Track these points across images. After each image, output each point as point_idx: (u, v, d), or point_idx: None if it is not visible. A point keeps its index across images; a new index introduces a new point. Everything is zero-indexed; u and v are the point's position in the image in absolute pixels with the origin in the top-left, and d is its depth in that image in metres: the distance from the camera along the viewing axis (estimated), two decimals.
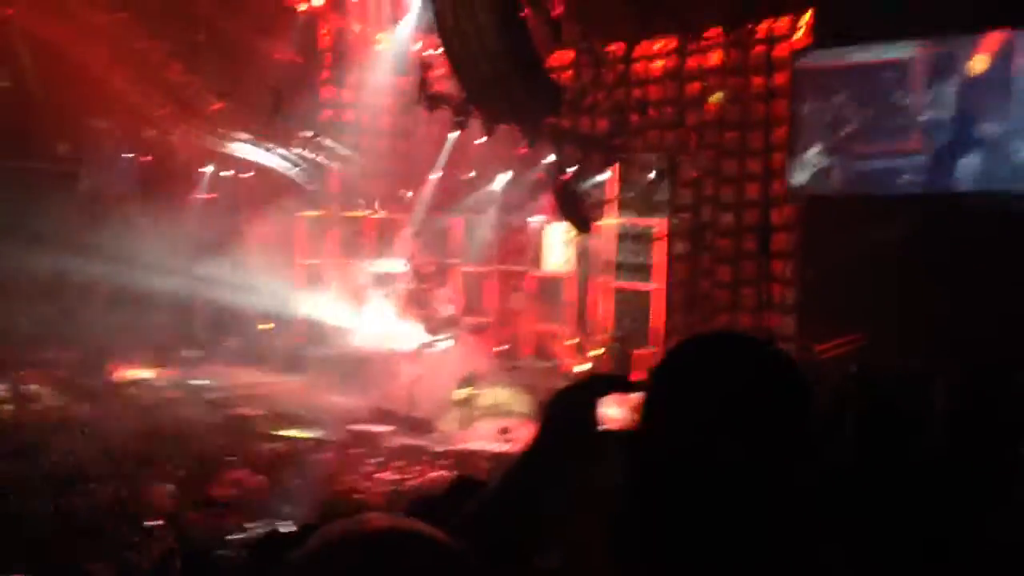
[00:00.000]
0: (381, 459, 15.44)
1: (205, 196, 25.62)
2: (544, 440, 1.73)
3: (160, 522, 10.85)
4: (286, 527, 10.70)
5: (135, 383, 22.07)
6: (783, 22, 21.41)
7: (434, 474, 14.48)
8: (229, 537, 10.51)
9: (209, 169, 25.23)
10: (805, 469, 1.60)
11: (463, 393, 18.22)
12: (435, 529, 1.41)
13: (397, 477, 14.17)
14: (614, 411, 1.72)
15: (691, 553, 1.54)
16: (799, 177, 19.86)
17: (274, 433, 17.43)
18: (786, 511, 1.55)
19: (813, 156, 19.62)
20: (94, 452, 15.09)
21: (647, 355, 19.90)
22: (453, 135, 19.92)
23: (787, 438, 1.56)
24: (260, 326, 24.71)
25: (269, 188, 25.37)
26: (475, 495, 1.84)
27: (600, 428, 1.70)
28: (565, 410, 1.74)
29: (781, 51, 21.66)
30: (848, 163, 19.58)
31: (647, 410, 1.64)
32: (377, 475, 14.35)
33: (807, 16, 21.29)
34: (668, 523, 1.55)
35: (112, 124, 23.81)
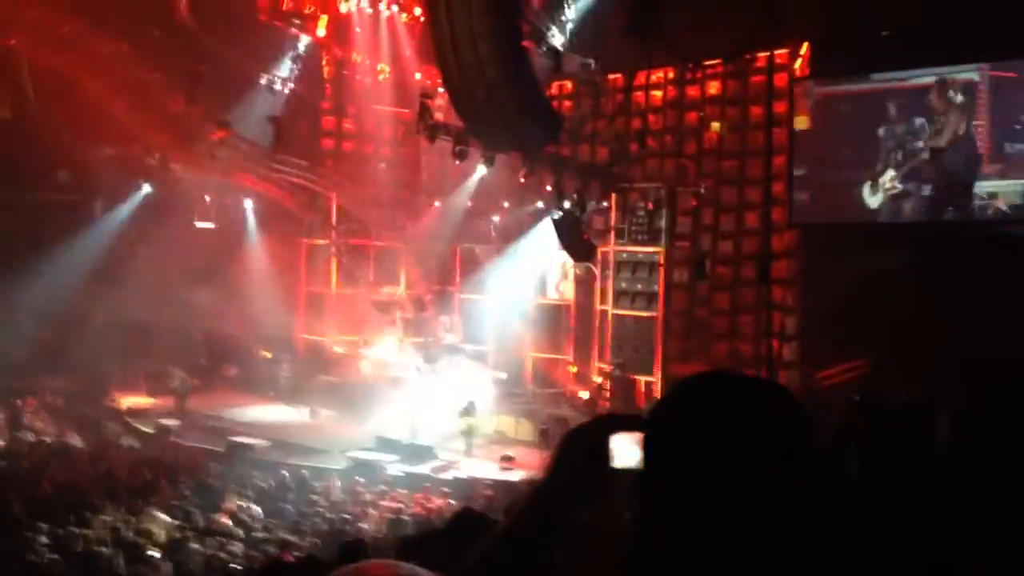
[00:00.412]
0: (383, 487, 15.38)
1: (206, 224, 25.66)
2: (556, 479, 1.70)
3: (159, 553, 10.77)
4: (288, 558, 10.65)
5: (135, 411, 22.06)
6: (782, 53, 21.61)
7: (436, 502, 14.42)
8: (230, 567, 10.46)
9: (208, 198, 25.29)
10: (809, 500, 1.60)
11: (464, 421, 18.18)
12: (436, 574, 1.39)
13: (399, 505, 14.10)
14: (626, 450, 1.70)
15: None
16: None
17: (275, 462, 17.37)
18: (792, 543, 1.55)
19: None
20: (93, 481, 15.05)
21: (648, 382, 19.91)
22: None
23: (790, 475, 1.56)
24: (261, 354, 24.69)
25: (270, 217, 25.45)
26: (481, 535, 1.81)
27: (611, 467, 1.68)
28: (579, 448, 1.72)
29: (780, 80, 21.85)
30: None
31: (648, 450, 1.63)
32: (380, 503, 14.28)
33: (804, 47, 21.51)
34: (678, 563, 1.55)
35: (113, 154, 23.90)
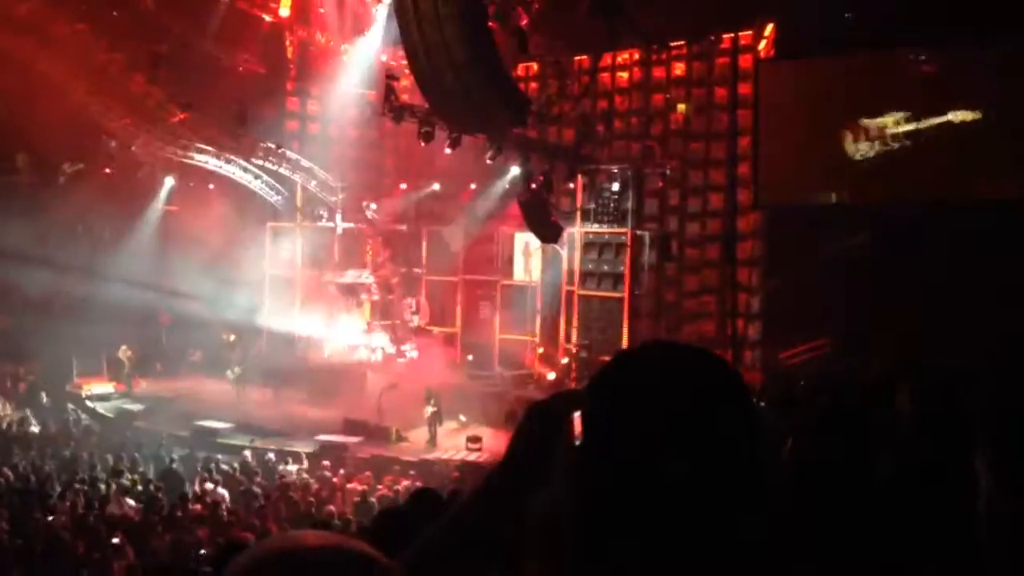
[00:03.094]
0: (350, 470, 15.37)
1: (168, 208, 25.39)
2: (514, 458, 1.65)
3: (122, 539, 10.68)
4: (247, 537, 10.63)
5: (98, 396, 21.83)
6: (746, 34, 21.69)
7: (404, 484, 14.43)
8: (195, 552, 10.41)
9: (171, 181, 25.01)
10: (752, 483, 1.54)
11: (430, 404, 18.18)
12: (371, 549, 1.36)
13: (366, 487, 14.09)
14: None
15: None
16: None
17: (242, 445, 17.28)
18: (745, 529, 1.51)
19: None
20: (56, 467, 14.90)
21: None
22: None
23: (733, 453, 1.51)
24: (226, 337, 24.51)
25: (233, 200, 25.19)
26: (439, 513, 1.76)
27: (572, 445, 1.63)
28: (539, 425, 1.66)
29: (746, 62, 21.95)
30: None
31: (586, 426, 1.57)
32: (347, 486, 14.26)
33: (769, 28, 21.60)
34: (615, 543, 1.50)
35: (72, 136, 23.52)
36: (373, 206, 25.75)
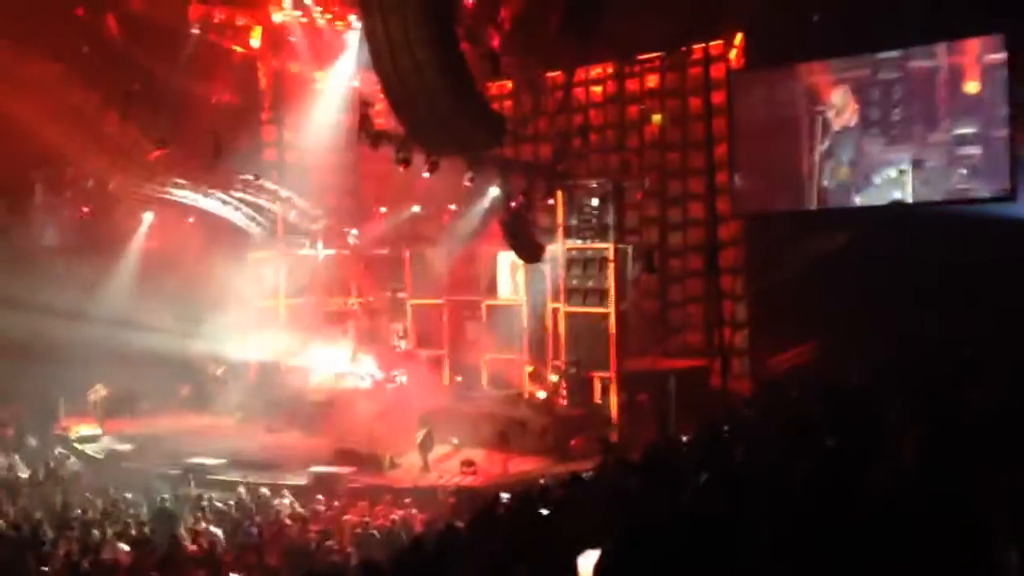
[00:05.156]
0: (345, 501, 15.27)
1: (148, 245, 25.27)
2: None
3: None
4: None
5: (87, 438, 21.61)
6: (716, 44, 21.84)
7: (399, 513, 14.35)
8: None
9: (150, 217, 24.89)
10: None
11: (422, 429, 18.09)
12: None
13: (362, 519, 14.01)
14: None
15: None
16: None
17: (234, 480, 17.15)
18: None
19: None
20: (47, 512, 14.73)
21: (604, 378, 19.98)
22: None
23: None
24: (213, 371, 24.35)
25: (213, 233, 25.09)
26: None
27: None
28: None
29: (718, 71, 22.10)
30: None
31: None
32: (343, 518, 14.17)
33: (739, 37, 21.76)
34: None
35: (48, 176, 23.43)
36: (354, 231, 25.74)
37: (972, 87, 18.50)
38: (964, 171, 18.65)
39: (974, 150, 18.51)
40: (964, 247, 16.26)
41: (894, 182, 19.48)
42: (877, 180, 19.72)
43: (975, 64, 18.49)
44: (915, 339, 14.90)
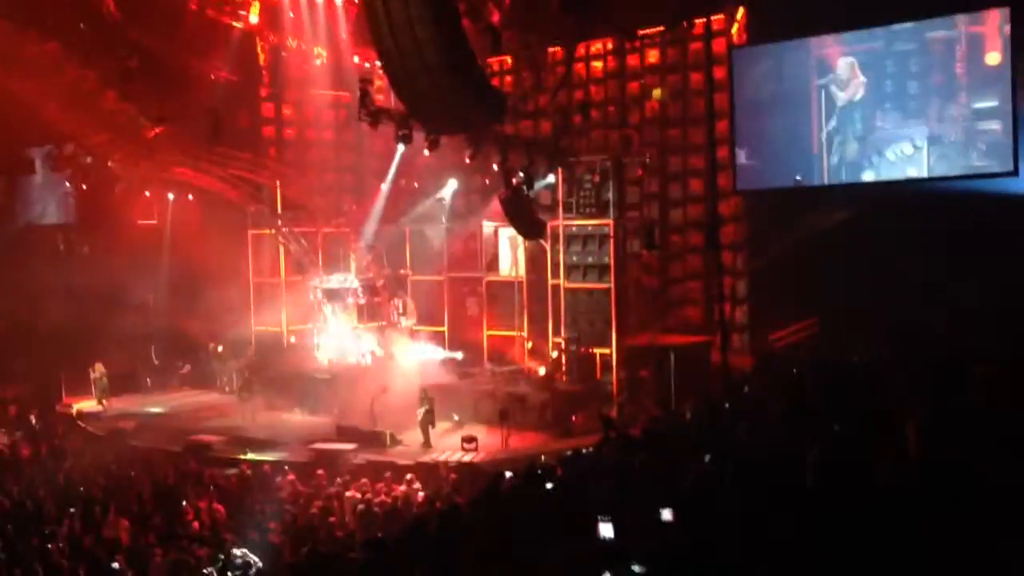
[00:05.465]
0: (347, 477, 15.31)
1: (147, 221, 25.22)
2: None
3: (121, 562, 10.63)
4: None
5: (88, 415, 21.68)
6: (718, 18, 21.71)
7: (400, 489, 14.40)
8: (199, 571, 10.38)
9: (149, 194, 24.83)
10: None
11: (424, 404, 18.13)
12: None
13: (364, 495, 14.05)
14: None
15: None
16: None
17: (236, 457, 17.21)
18: None
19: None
20: (50, 490, 14.79)
21: (604, 354, 20.01)
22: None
23: None
24: (213, 349, 24.37)
25: (213, 210, 25.04)
26: None
27: None
28: None
29: (719, 46, 21.98)
30: None
31: None
32: (345, 494, 14.21)
33: (740, 12, 21.63)
34: None
35: (47, 154, 23.34)
36: (354, 208, 25.68)
37: (993, 58, 18.20)
38: (983, 146, 18.36)
39: (994, 124, 18.18)
40: (967, 223, 16.24)
41: (909, 159, 19.23)
42: (891, 156, 19.45)
43: (996, 34, 18.16)
44: (917, 316, 14.96)
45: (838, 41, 20.03)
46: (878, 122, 19.65)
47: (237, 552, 10.65)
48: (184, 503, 13.57)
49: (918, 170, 19.04)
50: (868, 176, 19.72)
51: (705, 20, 21.43)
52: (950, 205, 17.18)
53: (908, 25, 18.98)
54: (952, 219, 16.61)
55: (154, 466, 16.38)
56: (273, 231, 24.74)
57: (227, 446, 18.35)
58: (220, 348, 24.42)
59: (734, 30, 21.78)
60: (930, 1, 17.90)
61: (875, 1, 18.19)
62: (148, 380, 24.13)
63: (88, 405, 22.18)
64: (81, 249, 24.16)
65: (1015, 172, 17.65)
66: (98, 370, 22.39)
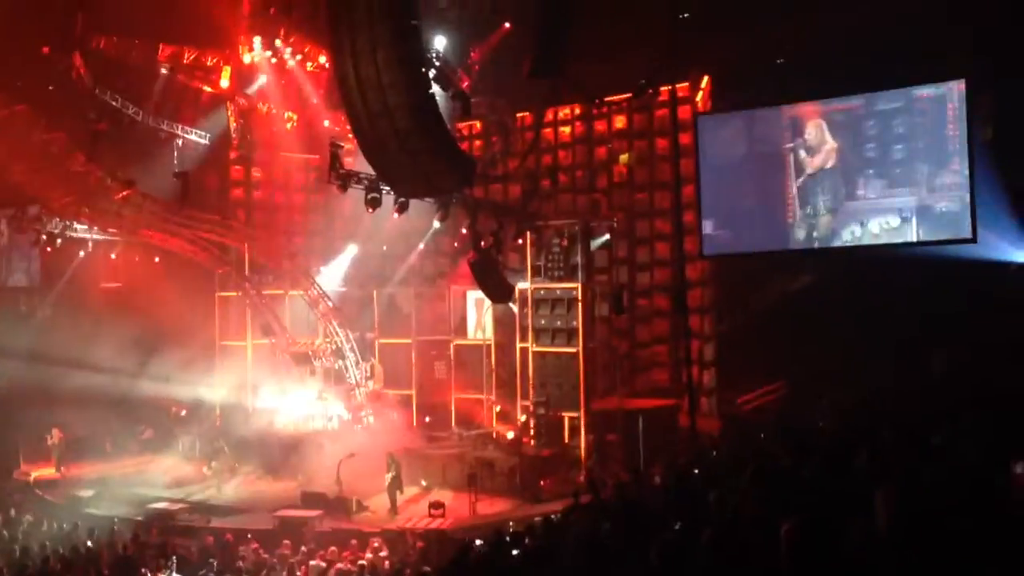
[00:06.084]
0: (312, 545, 15.02)
1: (111, 284, 24.95)
2: None
3: None
4: None
5: (45, 483, 21.13)
6: (683, 86, 22.14)
7: (367, 557, 14.14)
8: None
9: (115, 256, 24.62)
10: None
11: (390, 472, 17.88)
12: None
13: (329, 563, 13.77)
14: None
15: None
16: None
17: (197, 527, 16.82)
18: None
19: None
20: (6, 561, 14.35)
21: (572, 418, 19.92)
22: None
23: None
24: (176, 413, 23.98)
25: (179, 272, 24.82)
26: None
27: None
28: None
29: (684, 113, 22.36)
30: None
31: None
32: (310, 563, 13.92)
33: (705, 80, 22.10)
34: None
35: (12, 217, 23.11)
36: (323, 270, 25.60)
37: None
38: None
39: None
40: (933, 289, 16.36)
41: (896, 231, 17.81)
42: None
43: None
44: (884, 380, 15.08)
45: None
46: (859, 190, 18.50)
47: None
48: (144, 573, 13.23)
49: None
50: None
51: (670, 88, 21.85)
52: (917, 270, 17.30)
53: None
54: (920, 285, 16.76)
55: (114, 535, 15.97)
56: (240, 293, 24.58)
57: (190, 514, 17.95)
58: (183, 412, 24.05)
59: (699, 97, 22.21)
60: (887, 73, 18.17)
61: (837, 72, 18.35)
62: (108, 445, 23.60)
63: (46, 472, 21.67)
64: (43, 312, 23.82)
65: (973, 239, 17.69)
66: (55, 436, 21.94)
